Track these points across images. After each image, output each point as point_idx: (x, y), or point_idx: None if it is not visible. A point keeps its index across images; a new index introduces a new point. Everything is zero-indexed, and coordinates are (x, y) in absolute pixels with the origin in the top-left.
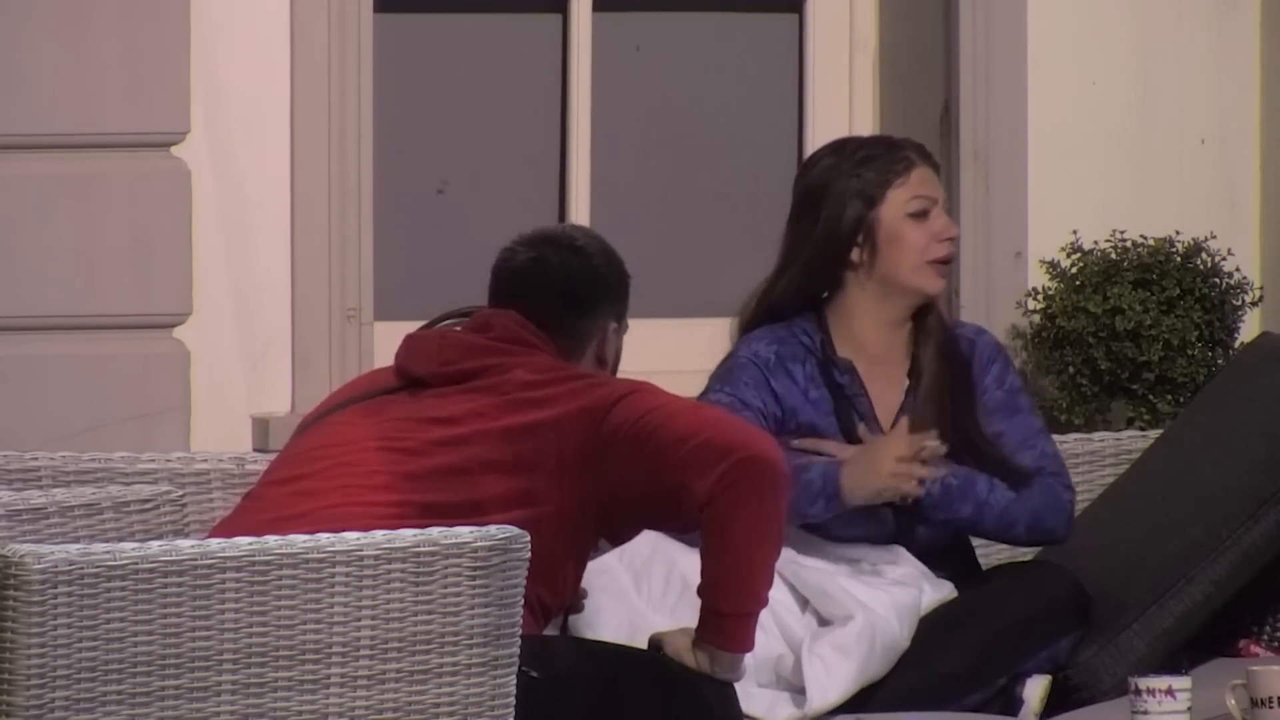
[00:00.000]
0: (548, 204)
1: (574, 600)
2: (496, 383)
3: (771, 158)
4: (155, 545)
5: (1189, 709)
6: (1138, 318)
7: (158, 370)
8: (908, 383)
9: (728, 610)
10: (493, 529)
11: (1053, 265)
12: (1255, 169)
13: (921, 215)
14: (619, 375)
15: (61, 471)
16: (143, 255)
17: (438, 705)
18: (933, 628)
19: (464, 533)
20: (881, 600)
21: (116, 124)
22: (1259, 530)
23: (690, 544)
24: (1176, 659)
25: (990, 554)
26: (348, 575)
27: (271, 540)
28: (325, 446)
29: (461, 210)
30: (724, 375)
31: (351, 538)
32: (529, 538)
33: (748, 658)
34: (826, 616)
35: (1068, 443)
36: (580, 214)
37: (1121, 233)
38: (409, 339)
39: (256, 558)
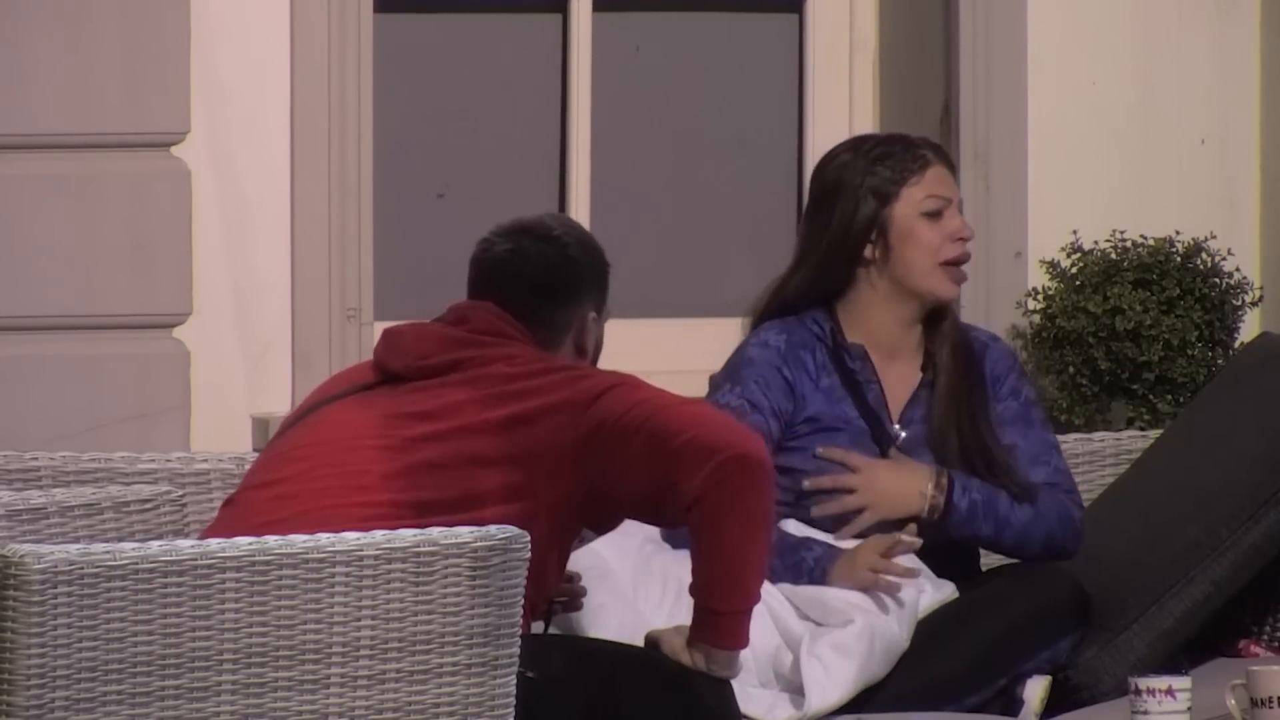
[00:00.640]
0: (548, 204)
1: (571, 599)
2: (476, 376)
3: (771, 158)
4: (155, 545)
5: (1189, 709)
6: (1138, 318)
7: (158, 370)
8: (920, 377)
9: (721, 608)
10: (492, 529)
11: (1053, 265)
12: (1255, 169)
13: (935, 215)
14: (602, 367)
15: (61, 471)
16: (142, 255)
17: (438, 705)
18: (933, 628)
19: (464, 533)
20: (881, 602)
21: (116, 124)
22: (1259, 530)
23: (686, 548)
24: (1176, 659)
25: (991, 554)
26: (348, 575)
27: (271, 540)
28: (305, 446)
29: (461, 209)
30: (732, 372)
31: (351, 538)
32: (529, 538)
33: (746, 656)
34: (825, 623)
35: (1068, 443)
36: (580, 214)
37: (1121, 233)
38: (386, 333)
39: (256, 558)
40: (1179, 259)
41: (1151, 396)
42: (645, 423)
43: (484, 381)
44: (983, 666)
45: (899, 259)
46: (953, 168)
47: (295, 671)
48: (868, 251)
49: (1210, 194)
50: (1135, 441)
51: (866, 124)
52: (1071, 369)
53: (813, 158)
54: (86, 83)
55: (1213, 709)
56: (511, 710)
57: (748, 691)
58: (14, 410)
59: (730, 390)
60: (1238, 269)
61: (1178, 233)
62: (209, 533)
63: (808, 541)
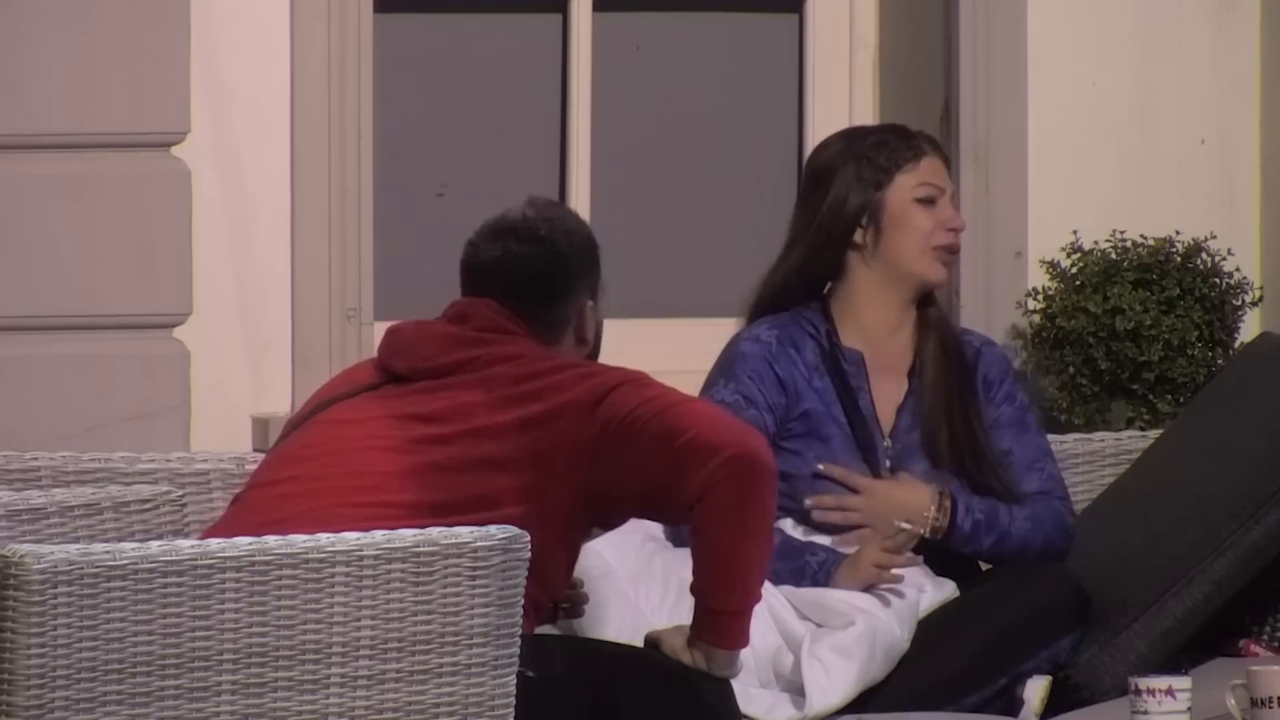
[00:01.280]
0: None
1: (574, 605)
2: (481, 377)
3: (771, 158)
4: (155, 545)
5: (1189, 709)
6: (1138, 318)
7: (158, 370)
8: (908, 386)
9: (722, 608)
10: (493, 529)
11: (1053, 265)
12: (1255, 169)
13: (928, 202)
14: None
15: (61, 471)
16: (143, 255)
17: (438, 705)
18: (933, 628)
19: (464, 533)
20: (882, 604)
21: (116, 124)
22: (1259, 530)
23: (688, 547)
24: (1176, 659)
25: None
26: (348, 575)
27: (271, 540)
28: (313, 446)
29: (461, 209)
30: (726, 368)
31: (351, 538)
32: (529, 537)
33: (746, 656)
34: (826, 625)
35: (1068, 443)
36: (580, 214)
37: (1121, 233)
38: (389, 333)
39: (256, 558)
40: (1179, 259)
41: (1151, 396)
42: (650, 421)
43: (491, 383)
44: (983, 666)
45: (890, 243)
46: (947, 161)
47: (295, 671)
48: (859, 236)
49: (1210, 194)
50: (1135, 441)
51: (866, 123)
52: (1071, 369)
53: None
54: (87, 83)
55: (1213, 709)
56: (511, 710)
57: (748, 692)
58: (14, 410)
59: (724, 386)
60: (1238, 269)
61: (1178, 233)
62: (214, 530)
63: (811, 546)
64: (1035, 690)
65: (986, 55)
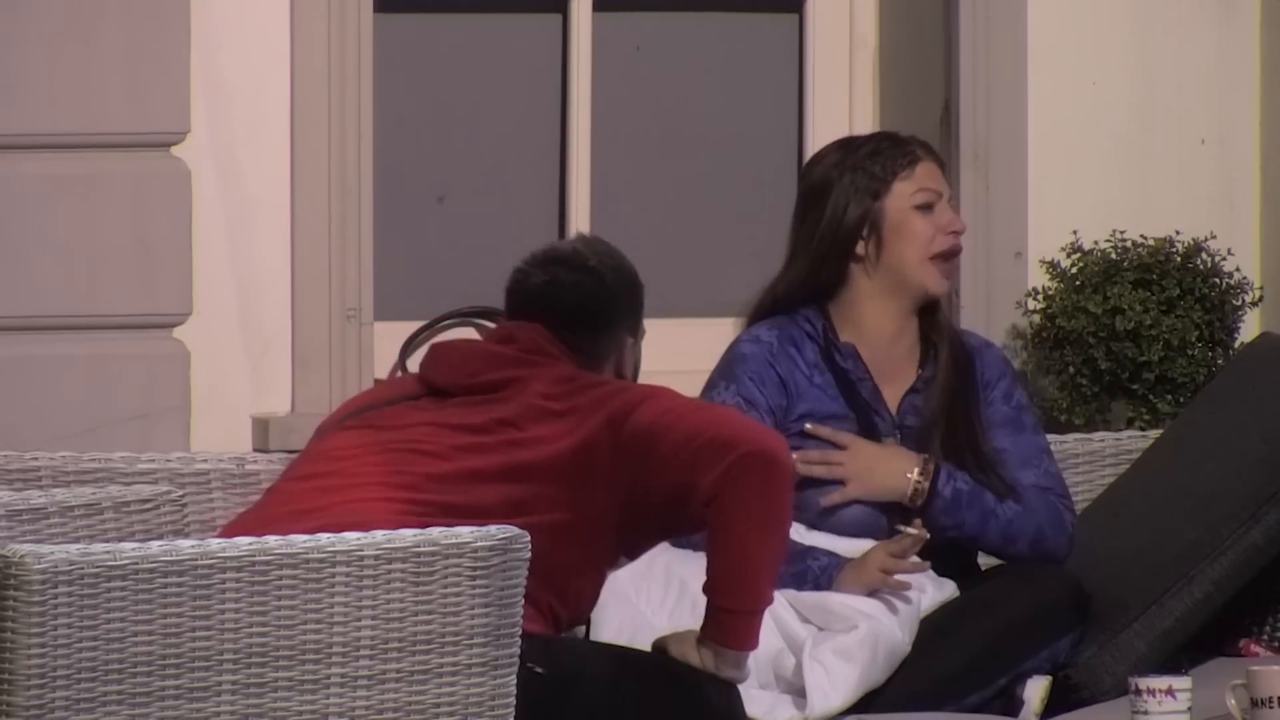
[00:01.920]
0: (548, 204)
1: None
2: (526, 393)
3: (771, 158)
4: (155, 545)
5: (1189, 709)
6: (1138, 318)
7: (158, 370)
8: (919, 374)
9: (733, 607)
10: (493, 529)
11: (1053, 265)
12: (1255, 169)
13: (926, 208)
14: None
15: (61, 471)
16: (143, 255)
17: (438, 705)
18: (933, 628)
19: (464, 533)
20: (883, 607)
21: (117, 124)
22: (1259, 530)
23: (689, 549)
24: (1176, 659)
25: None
26: (348, 575)
27: (271, 540)
28: (353, 446)
29: (461, 208)
30: (726, 370)
31: (352, 538)
32: (529, 538)
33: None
34: (828, 628)
35: (1068, 443)
36: (580, 214)
37: (1121, 233)
38: (434, 348)
39: (256, 558)
40: (1179, 259)
41: (1151, 396)
42: (669, 429)
43: (529, 398)
44: (983, 666)
45: (891, 252)
46: (942, 164)
47: (295, 671)
48: (861, 247)
49: (1210, 194)
50: (1135, 441)
51: (866, 124)
52: (1071, 369)
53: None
54: (87, 83)
55: (1213, 709)
56: (512, 710)
57: (749, 693)
58: (14, 410)
59: (726, 389)
60: (1238, 269)
61: (1178, 233)
62: (246, 516)
63: (813, 550)
64: (1035, 690)
65: (986, 55)
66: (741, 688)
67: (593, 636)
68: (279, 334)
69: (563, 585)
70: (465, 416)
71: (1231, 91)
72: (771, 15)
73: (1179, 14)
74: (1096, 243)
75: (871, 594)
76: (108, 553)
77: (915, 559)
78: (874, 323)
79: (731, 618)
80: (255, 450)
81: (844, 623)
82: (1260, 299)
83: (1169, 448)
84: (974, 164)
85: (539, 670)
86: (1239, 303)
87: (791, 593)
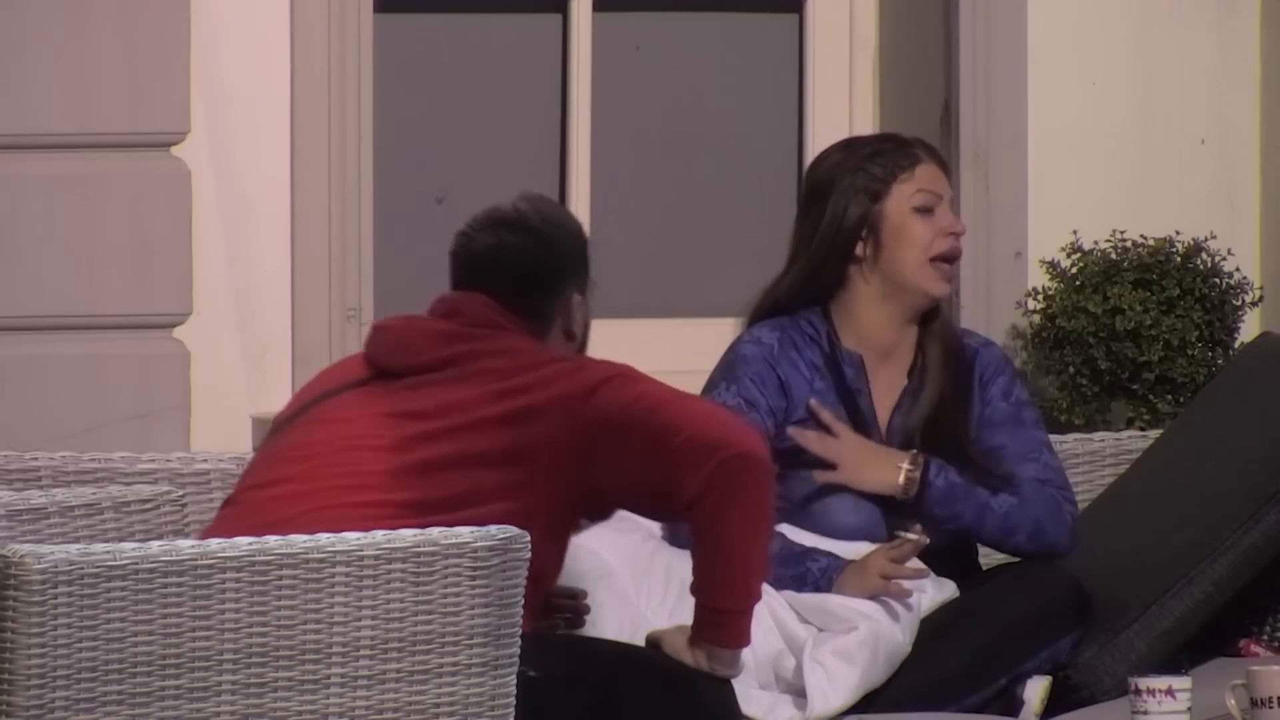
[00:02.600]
0: None
1: (575, 615)
2: (471, 372)
3: (771, 158)
4: (155, 545)
5: (1189, 709)
6: (1138, 318)
7: (158, 370)
8: (906, 383)
9: (723, 606)
10: (493, 529)
11: (1053, 265)
12: (1255, 169)
13: (926, 210)
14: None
15: (61, 471)
16: (143, 255)
17: (438, 705)
18: (933, 628)
19: (464, 533)
20: (884, 609)
21: (116, 124)
22: (1259, 530)
23: (689, 548)
24: (1176, 659)
25: (991, 553)
26: (348, 575)
27: (271, 540)
28: (306, 445)
29: (461, 209)
30: (727, 371)
31: (352, 538)
32: (529, 538)
33: (747, 658)
34: (828, 629)
35: (1068, 443)
36: (580, 214)
37: (1121, 233)
38: (376, 328)
39: (256, 558)
40: (1179, 259)
41: (1151, 396)
42: (644, 419)
43: (480, 377)
44: (983, 666)
45: (890, 255)
46: (944, 166)
47: (295, 671)
48: (859, 249)
49: (1210, 194)
50: (1135, 441)
51: (866, 124)
52: (1071, 369)
53: (813, 158)
54: (86, 83)
55: (1213, 709)
56: (512, 710)
57: (749, 693)
58: (14, 410)
59: (726, 389)
60: (1238, 269)
61: (1178, 233)
62: (209, 533)
63: (813, 552)
64: (1035, 690)
65: (986, 55)
66: (741, 688)
67: (593, 635)
68: (279, 334)
69: (533, 568)
70: (413, 401)
71: (1231, 91)
72: (771, 15)
73: (1179, 14)
74: (1096, 243)
75: (871, 596)
76: (108, 553)
77: (916, 564)
78: (872, 325)
79: (723, 617)
80: (255, 450)
81: (844, 624)
82: (1260, 299)
83: (1169, 448)
84: (974, 164)
85: (531, 674)
86: (1239, 303)
87: (791, 594)
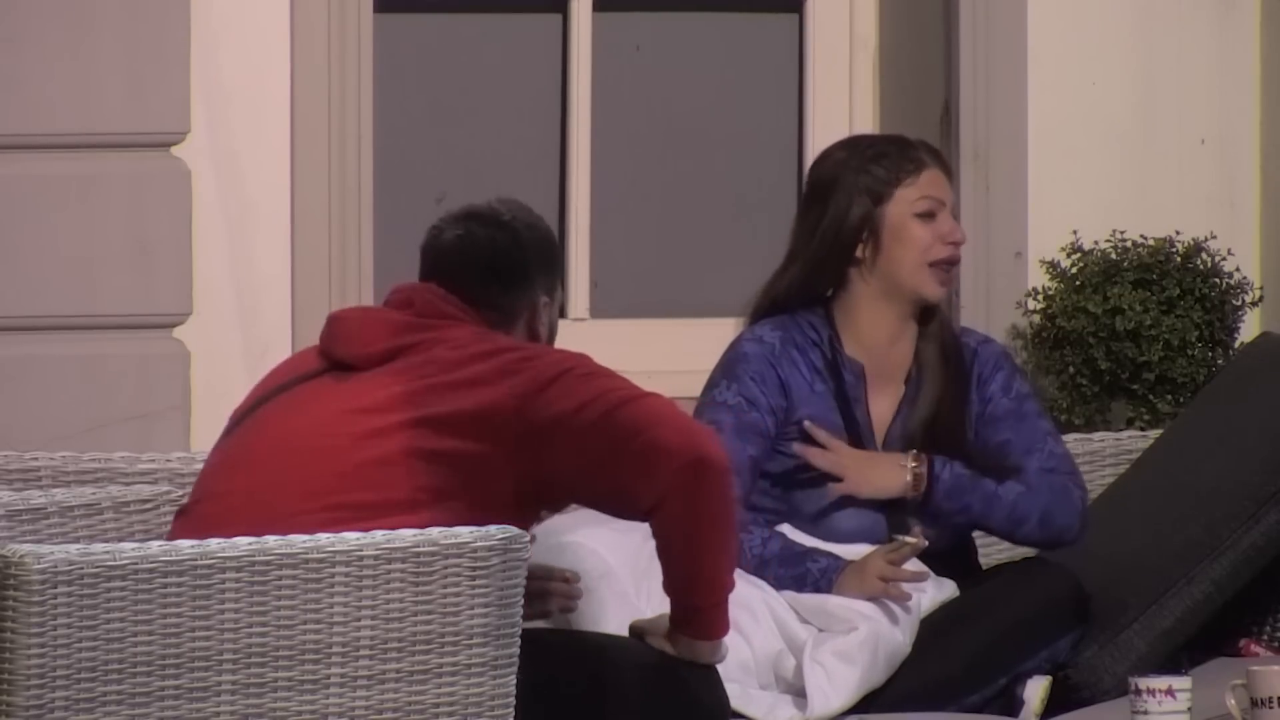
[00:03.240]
0: (548, 204)
1: (567, 599)
2: (422, 362)
3: (771, 158)
4: (155, 545)
5: (1189, 709)
6: (1138, 318)
7: (158, 370)
8: (904, 391)
9: (698, 604)
10: (493, 529)
11: (1053, 265)
12: (1255, 169)
13: (928, 216)
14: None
15: (61, 471)
16: (143, 255)
17: (438, 705)
18: (933, 628)
19: (464, 533)
20: (884, 609)
21: (116, 124)
22: (1259, 530)
23: None
24: (1176, 659)
25: (991, 553)
26: (348, 575)
27: (271, 540)
28: (253, 451)
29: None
30: (729, 369)
31: (352, 538)
32: (529, 538)
33: (748, 658)
34: (828, 630)
35: (1068, 442)
36: (580, 214)
37: (1121, 233)
38: (331, 319)
39: (256, 558)
40: (1179, 259)
41: (1151, 396)
42: (600, 420)
43: (429, 368)
44: (983, 666)
45: (889, 257)
46: (949, 172)
47: (295, 671)
48: (859, 250)
49: (1210, 194)
50: (1135, 441)
51: (866, 124)
52: (1071, 369)
53: (812, 158)
54: (87, 83)
55: (1213, 709)
56: (512, 710)
57: (749, 693)
58: (14, 410)
59: (727, 388)
60: (1238, 269)
61: (1178, 233)
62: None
63: (813, 553)
64: (1035, 690)
65: (986, 55)
66: (741, 688)
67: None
68: (279, 334)
69: None
70: (365, 395)
71: (1231, 91)
72: (771, 15)
73: (1179, 14)
74: (1096, 243)
75: (870, 598)
76: (107, 553)
77: (917, 564)
78: (870, 326)
79: (699, 613)
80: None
81: (844, 625)
82: (1260, 299)
83: (1169, 448)
84: (974, 164)
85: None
86: (1239, 303)
87: (791, 594)
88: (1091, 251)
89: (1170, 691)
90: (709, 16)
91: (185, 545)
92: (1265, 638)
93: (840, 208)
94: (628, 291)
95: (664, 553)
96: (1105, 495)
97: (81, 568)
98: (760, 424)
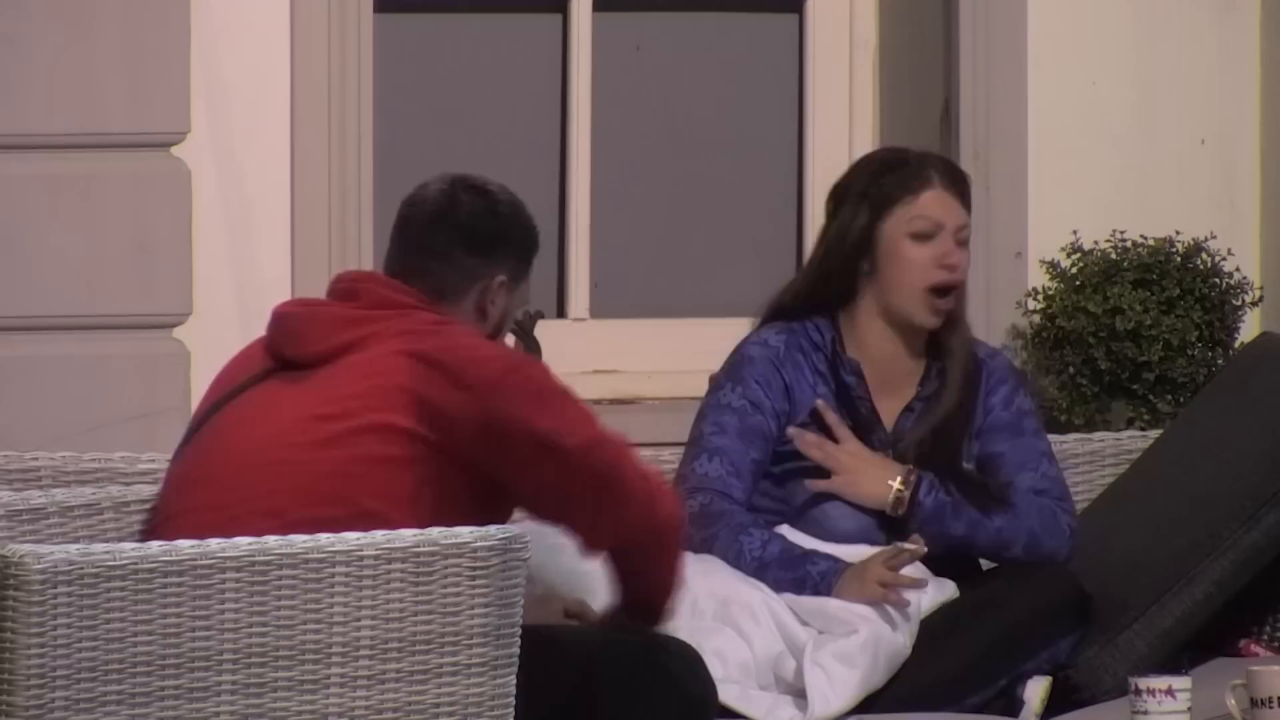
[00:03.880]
0: (548, 204)
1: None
2: (370, 360)
3: (771, 158)
4: (155, 545)
5: (1189, 709)
6: (1138, 318)
7: (158, 370)
8: (917, 390)
9: (656, 609)
10: (492, 529)
11: (1053, 265)
12: (1255, 169)
13: (923, 237)
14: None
15: (61, 471)
16: (143, 255)
17: (438, 705)
18: (934, 628)
19: (464, 533)
20: (885, 612)
21: (116, 124)
22: (1259, 530)
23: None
24: (1177, 659)
25: None
26: (348, 575)
27: (271, 540)
28: (212, 466)
29: None
30: (734, 371)
31: (351, 538)
32: (529, 538)
33: (748, 659)
34: (828, 632)
35: (1068, 443)
36: (580, 214)
37: (1121, 233)
38: (275, 316)
39: (256, 558)
40: (1179, 259)
41: (1151, 396)
42: (555, 461)
43: (378, 366)
44: (983, 666)
45: (884, 276)
46: (963, 195)
47: (295, 671)
48: (864, 264)
49: (1210, 194)
50: (1135, 441)
51: (866, 124)
52: (1071, 369)
53: (813, 158)
54: (87, 83)
55: (1213, 709)
56: (512, 710)
57: (749, 693)
58: (14, 410)
59: (732, 390)
60: (1238, 269)
61: (1178, 233)
62: None
63: (813, 555)
64: (1035, 690)
65: (986, 55)
66: (741, 688)
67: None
68: None
69: None
70: (316, 401)
71: (1231, 91)
72: (771, 15)
73: (1179, 14)
74: (1096, 243)
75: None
76: (107, 553)
77: (919, 568)
78: (873, 339)
79: (659, 614)
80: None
81: (844, 627)
82: (1260, 299)
83: (1169, 448)
84: (974, 164)
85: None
86: (1239, 303)
87: (791, 597)
88: (1091, 251)
89: (1170, 691)
90: (709, 16)
91: (185, 545)
92: (1265, 638)
93: (845, 219)
94: (628, 291)
95: (618, 585)
96: (1105, 495)
97: (81, 568)
98: (764, 427)
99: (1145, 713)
